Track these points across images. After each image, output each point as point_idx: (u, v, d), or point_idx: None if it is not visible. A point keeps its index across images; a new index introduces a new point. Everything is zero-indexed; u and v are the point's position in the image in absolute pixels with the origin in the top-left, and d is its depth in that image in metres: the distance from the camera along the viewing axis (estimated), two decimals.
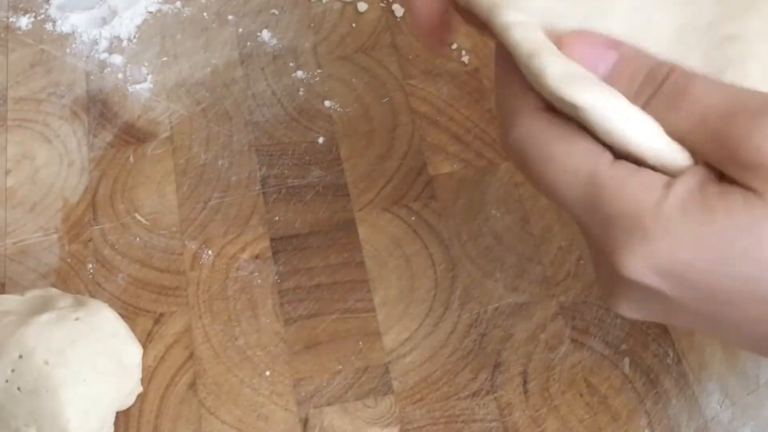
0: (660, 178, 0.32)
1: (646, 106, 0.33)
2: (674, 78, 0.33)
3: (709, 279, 0.31)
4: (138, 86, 0.56)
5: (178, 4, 0.59)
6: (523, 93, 0.34)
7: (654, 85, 0.33)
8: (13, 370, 0.42)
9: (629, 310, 0.34)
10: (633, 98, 0.33)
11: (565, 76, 0.32)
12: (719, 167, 0.32)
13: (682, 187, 0.32)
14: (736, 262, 0.31)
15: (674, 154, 0.33)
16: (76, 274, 0.49)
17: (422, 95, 0.55)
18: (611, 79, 0.33)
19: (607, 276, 0.34)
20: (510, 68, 0.35)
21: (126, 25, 0.58)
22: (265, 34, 0.58)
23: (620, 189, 0.32)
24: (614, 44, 0.34)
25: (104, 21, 0.58)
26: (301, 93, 0.55)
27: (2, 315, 0.44)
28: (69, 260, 0.50)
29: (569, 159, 0.33)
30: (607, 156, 0.33)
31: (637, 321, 0.47)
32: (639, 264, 0.32)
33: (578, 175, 0.33)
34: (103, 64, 0.57)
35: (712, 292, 0.32)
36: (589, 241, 0.35)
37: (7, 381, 0.42)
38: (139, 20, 0.58)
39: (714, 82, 0.33)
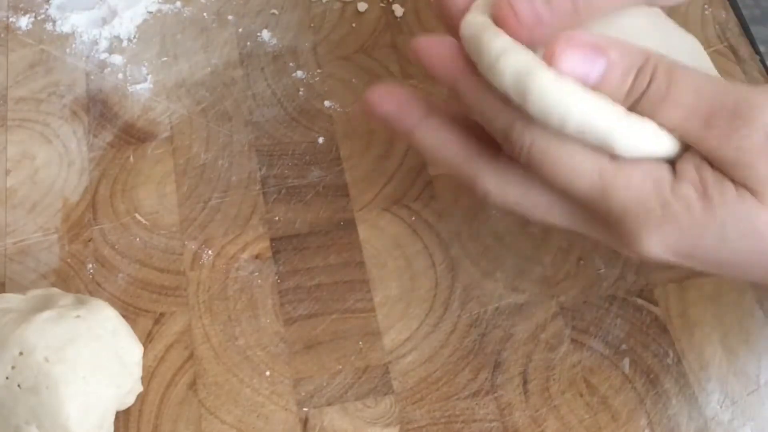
0: (661, 168, 0.36)
1: (637, 106, 0.36)
2: (658, 80, 0.35)
3: (715, 255, 0.36)
4: (138, 86, 0.56)
5: (178, 4, 0.59)
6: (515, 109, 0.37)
7: (641, 87, 0.36)
8: (13, 367, 0.42)
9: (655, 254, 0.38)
10: (624, 100, 0.36)
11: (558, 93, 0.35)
12: (709, 159, 0.36)
13: (683, 177, 0.36)
14: (737, 242, 0.36)
15: (663, 147, 0.36)
16: (76, 274, 0.49)
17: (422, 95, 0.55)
18: (602, 86, 0.36)
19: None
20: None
21: (126, 25, 0.58)
22: (265, 34, 0.58)
23: (628, 181, 0.36)
24: (601, 47, 0.36)
25: (104, 21, 0.58)
26: (301, 93, 0.55)
27: (3, 313, 0.44)
28: (69, 260, 0.50)
29: (575, 159, 0.36)
30: (605, 154, 0.36)
31: (637, 321, 0.47)
32: (655, 248, 0.36)
33: (586, 172, 0.36)
34: (103, 64, 0.57)
35: (720, 264, 0.37)
36: (601, 229, 0.38)
37: (7, 378, 0.42)
38: (139, 20, 0.58)
39: (695, 77, 0.36)
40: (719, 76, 0.39)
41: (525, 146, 0.37)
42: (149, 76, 0.56)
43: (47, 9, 0.59)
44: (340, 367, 0.46)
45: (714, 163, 0.36)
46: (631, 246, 0.37)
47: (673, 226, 0.36)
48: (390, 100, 0.41)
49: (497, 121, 0.37)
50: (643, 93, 0.35)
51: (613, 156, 0.36)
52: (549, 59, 0.35)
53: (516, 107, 0.36)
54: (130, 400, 0.45)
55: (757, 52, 0.55)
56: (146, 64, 0.57)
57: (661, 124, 0.36)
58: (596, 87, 0.35)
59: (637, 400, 0.45)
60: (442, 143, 0.40)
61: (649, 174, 0.36)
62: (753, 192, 0.35)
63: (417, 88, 0.55)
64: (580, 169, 0.36)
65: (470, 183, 0.39)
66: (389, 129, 0.42)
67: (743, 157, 0.35)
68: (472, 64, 0.37)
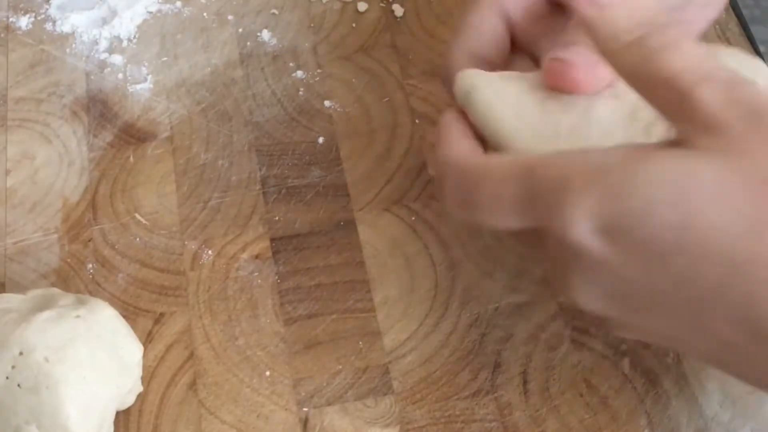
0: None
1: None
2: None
3: (639, 229, 0.32)
4: (138, 86, 0.56)
5: (178, 4, 0.59)
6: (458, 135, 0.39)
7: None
8: (13, 367, 0.42)
9: (584, 293, 0.35)
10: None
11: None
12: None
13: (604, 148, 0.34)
14: (663, 210, 0.32)
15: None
16: (76, 274, 0.49)
17: (422, 95, 0.55)
18: None
19: (556, 261, 0.35)
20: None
21: (126, 25, 0.58)
22: (265, 34, 0.58)
23: (549, 163, 0.34)
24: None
25: (104, 21, 0.58)
26: (301, 93, 0.55)
27: (3, 312, 0.44)
28: (69, 260, 0.50)
29: (500, 167, 0.36)
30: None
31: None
32: (577, 223, 0.33)
33: (511, 174, 0.35)
34: (103, 64, 0.57)
35: (645, 245, 0.32)
36: (540, 239, 0.36)
37: (7, 378, 0.42)
38: (139, 20, 0.58)
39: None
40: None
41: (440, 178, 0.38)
42: (149, 76, 0.56)
43: (47, 9, 0.59)
44: (340, 367, 0.46)
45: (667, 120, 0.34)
46: (553, 228, 0.34)
47: (592, 189, 0.33)
48: None
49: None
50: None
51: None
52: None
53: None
54: (130, 400, 0.45)
55: (757, 52, 0.55)
56: (146, 64, 0.57)
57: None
58: None
59: (637, 400, 0.45)
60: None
61: (572, 152, 0.35)
62: (688, 143, 0.33)
63: (417, 88, 0.55)
64: (504, 170, 0.36)
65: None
66: None
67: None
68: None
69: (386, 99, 0.55)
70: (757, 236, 0.31)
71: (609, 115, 0.38)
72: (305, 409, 0.45)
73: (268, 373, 0.46)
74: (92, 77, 0.56)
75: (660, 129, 0.37)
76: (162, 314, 0.48)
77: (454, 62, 0.42)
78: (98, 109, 0.55)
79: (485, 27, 0.43)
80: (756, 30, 0.56)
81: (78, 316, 0.44)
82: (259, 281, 0.49)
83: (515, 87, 0.39)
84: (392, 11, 0.58)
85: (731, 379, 0.45)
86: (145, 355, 0.46)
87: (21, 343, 0.42)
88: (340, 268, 0.49)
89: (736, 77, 0.33)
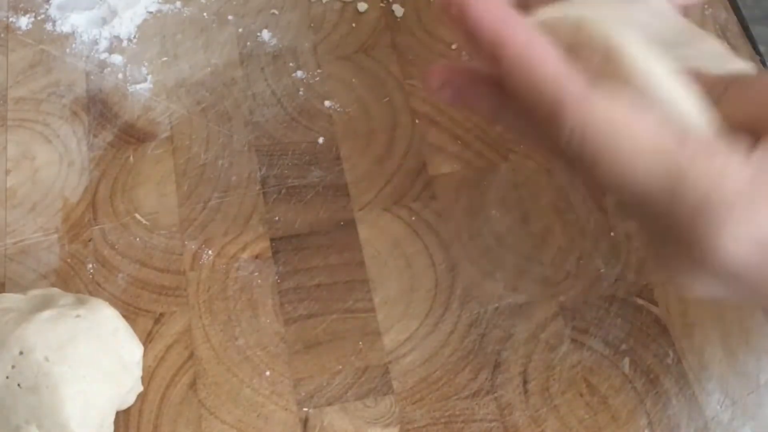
0: (737, 157, 0.31)
1: None
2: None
3: None
4: (138, 86, 0.56)
5: (178, 4, 0.59)
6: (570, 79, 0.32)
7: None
8: (13, 367, 0.42)
9: (705, 288, 0.33)
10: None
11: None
12: None
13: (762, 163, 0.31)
14: None
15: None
16: (76, 274, 0.49)
17: (422, 95, 0.55)
18: None
19: (688, 258, 0.33)
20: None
21: (126, 25, 0.58)
22: (265, 34, 0.58)
23: (705, 171, 0.31)
24: None
25: (104, 21, 0.58)
26: (301, 93, 0.55)
27: (3, 312, 0.44)
28: (69, 260, 0.50)
29: (640, 140, 0.31)
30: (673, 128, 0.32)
31: (637, 321, 0.47)
32: (735, 239, 0.31)
33: (655, 156, 0.31)
34: (103, 64, 0.57)
35: None
36: (658, 229, 0.33)
37: (7, 377, 0.42)
38: (139, 20, 0.58)
39: None
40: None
41: (578, 125, 0.31)
42: (149, 76, 0.56)
43: (47, 9, 0.59)
44: (340, 367, 0.46)
45: None
46: (703, 245, 0.31)
47: (761, 205, 0.30)
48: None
49: (546, 92, 0.32)
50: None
51: (686, 138, 0.32)
52: None
53: (571, 76, 0.32)
54: (130, 400, 0.45)
55: (758, 52, 0.55)
56: (146, 64, 0.57)
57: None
58: None
59: (637, 400, 0.45)
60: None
61: (726, 158, 0.31)
62: None
63: (417, 88, 0.55)
64: (645, 155, 0.31)
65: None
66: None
67: None
68: (522, 18, 0.33)
69: (386, 99, 0.55)
70: None
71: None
72: (305, 409, 0.45)
73: (268, 373, 0.46)
74: (92, 77, 0.56)
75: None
76: (162, 314, 0.48)
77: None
78: (98, 109, 0.55)
79: None
80: (756, 30, 0.56)
81: (78, 316, 0.44)
82: (259, 281, 0.49)
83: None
84: (392, 11, 0.58)
85: (731, 379, 0.45)
86: (145, 355, 0.46)
87: (21, 342, 0.42)
88: (340, 268, 0.49)
89: None
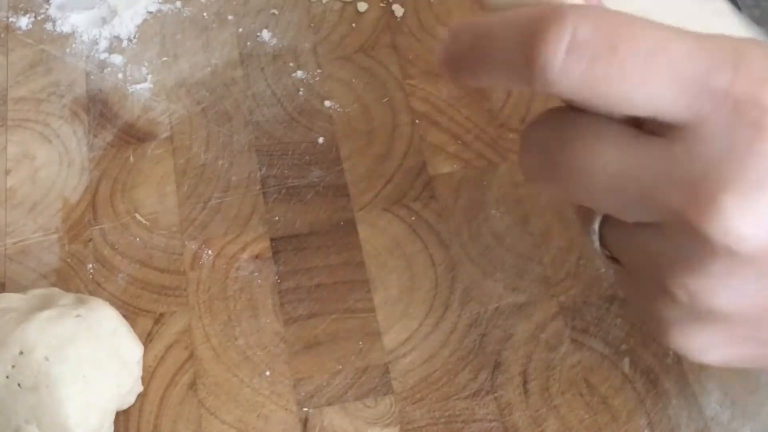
0: None
1: None
2: None
3: None
4: (138, 86, 0.56)
5: (178, 4, 0.59)
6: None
7: None
8: (13, 366, 0.42)
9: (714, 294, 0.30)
10: None
11: None
12: None
13: None
14: None
15: None
16: (76, 274, 0.49)
17: (422, 95, 0.55)
18: None
19: (688, 259, 0.30)
20: None
21: (126, 25, 0.58)
22: (265, 34, 0.58)
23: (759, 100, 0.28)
24: None
25: (104, 21, 0.58)
26: (301, 93, 0.55)
27: (3, 312, 0.44)
28: (69, 260, 0.50)
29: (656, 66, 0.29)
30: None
31: (637, 321, 0.47)
32: (739, 218, 0.27)
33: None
34: (103, 64, 0.57)
35: None
36: (652, 231, 0.31)
37: (7, 377, 0.42)
38: (139, 20, 0.58)
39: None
40: None
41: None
42: (149, 76, 0.56)
43: (47, 9, 0.59)
44: (340, 367, 0.46)
45: None
46: (703, 217, 0.28)
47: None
48: None
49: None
50: None
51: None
52: None
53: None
54: (130, 400, 0.45)
55: None
56: (146, 64, 0.57)
57: None
58: None
59: (637, 400, 0.45)
60: None
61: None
62: None
63: (417, 88, 0.55)
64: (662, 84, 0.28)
65: None
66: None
67: None
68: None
69: (386, 99, 0.55)
70: None
71: None
72: (305, 409, 0.45)
73: (268, 373, 0.46)
74: (92, 77, 0.56)
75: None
76: (162, 314, 0.48)
77: None
78: (98, 109, 0.55)
79: None
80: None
81: (78, 316, 0.44)
82: (259, 281, 0.49)
83: None
84: (392, 11, 0.58)
85: (731, 379, 0.45)
86: (145, 355, 0.46)
87: (21, 342, 0.42)
88: (340, 268, 0.49)
89: None
